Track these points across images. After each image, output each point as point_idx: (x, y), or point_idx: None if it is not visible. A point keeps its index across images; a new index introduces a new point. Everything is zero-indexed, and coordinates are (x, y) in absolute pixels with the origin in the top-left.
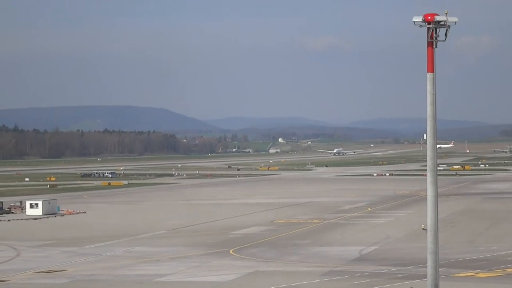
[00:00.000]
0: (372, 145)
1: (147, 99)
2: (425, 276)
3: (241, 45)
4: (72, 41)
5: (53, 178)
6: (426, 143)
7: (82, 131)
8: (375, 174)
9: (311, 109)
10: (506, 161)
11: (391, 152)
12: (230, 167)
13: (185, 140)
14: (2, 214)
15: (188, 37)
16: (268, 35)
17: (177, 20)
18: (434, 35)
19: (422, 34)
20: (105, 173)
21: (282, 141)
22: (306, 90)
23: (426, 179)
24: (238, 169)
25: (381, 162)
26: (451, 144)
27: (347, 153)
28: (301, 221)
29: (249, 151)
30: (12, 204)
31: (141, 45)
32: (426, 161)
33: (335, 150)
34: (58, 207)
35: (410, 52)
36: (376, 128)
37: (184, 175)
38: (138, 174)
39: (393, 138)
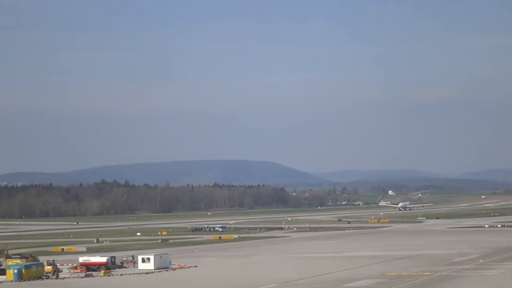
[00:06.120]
0: (483, 197)
1: (258, 153)
2: None
3: (351, 98)
4: (185, 97)
5: (164, 233)
6: None
7: (192, 185)
8: (486, 226)
9: (422, 161)
10: None
11: (502, 203)
12: (340, 220)
13: (294, 194)
14: (114, 268)
15: (298, 92)
16: (378, 88)
17: (288, 74)
18: None
19: None
20: (216, 227)
21: (392, 193)
22: (417, 142)
23: None
24: (348, 222)
25: (492, 214)
26: None
27: (414, 208)
28: (413, 273)
29: (359, 204)
30: (124, 258)
31: (252, 102)
32: None
33: (400, 205)
34: (170, 261)
35: None
36: (488, 179)
37: (294, 229)
38: (249, 228)
39: (504, 189)
